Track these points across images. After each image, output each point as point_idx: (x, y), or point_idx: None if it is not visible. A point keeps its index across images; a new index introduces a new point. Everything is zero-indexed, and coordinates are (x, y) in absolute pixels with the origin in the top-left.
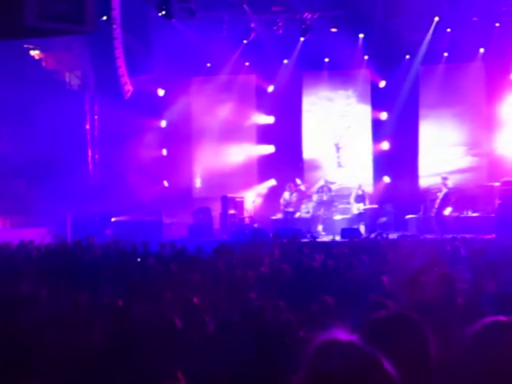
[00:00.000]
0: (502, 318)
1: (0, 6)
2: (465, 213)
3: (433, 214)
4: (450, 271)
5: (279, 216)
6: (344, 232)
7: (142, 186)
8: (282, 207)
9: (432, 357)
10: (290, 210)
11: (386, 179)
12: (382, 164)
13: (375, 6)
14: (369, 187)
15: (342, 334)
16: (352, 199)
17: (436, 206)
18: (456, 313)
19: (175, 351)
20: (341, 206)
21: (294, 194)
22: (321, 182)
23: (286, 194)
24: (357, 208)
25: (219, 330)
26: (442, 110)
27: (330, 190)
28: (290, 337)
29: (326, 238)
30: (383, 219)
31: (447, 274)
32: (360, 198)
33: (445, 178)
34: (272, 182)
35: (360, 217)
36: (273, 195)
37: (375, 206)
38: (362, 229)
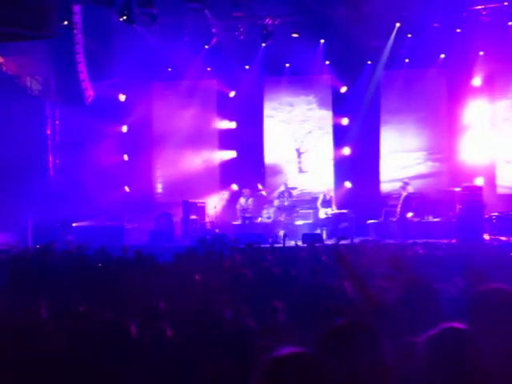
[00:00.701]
0: (456, 325)
1: None
2: (426, 218)
3: (395, 219)
4: (411, 276)
5: (240, 221)
6: (305, 237)
7: (104, 191)
8: (238, 213)
9: (387, 363)
10: (247, 215)
11: (348, 184)
12: (343, 169)
13: (336, 11)
14: (330, 192)
15: (292, 350)
16: (319, 204)
17: (398, 211)
18: (416, 318)
19: (130, 358)
20: (302, 211)
21: (251, 200)
22: (281, 188)
23: (242, 200)
24: (324, 213)
25: (178, 335)
26: (404, 115)
27: (290, 195)
28: (248, 343)
29: (288, 243)
30: (344, 224)
31: (408, 279)
32: (327, 203)
33: (406, 183)
34: (234, 187)
35: (321, 222)
36: (234, 200)
37: (344, 210)
38: (324, 234)
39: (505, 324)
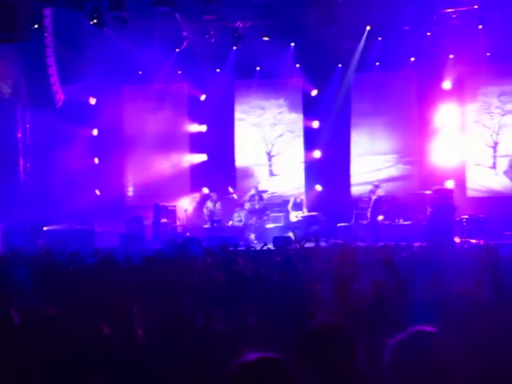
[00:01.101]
0: (426, 328)
1: None
2: (396, 221)
3: (365, 222)
4: (381, 279)
5: (209, 225)
6: (276, 240)
7: (74, 194)
8: (205, 217)
9: (360, 366)
10: (215, 218)
11: (318, 187)
12: (314, 172)
13: (307, 14)
14: (301, 196)
15: (260, 355)
16: (290, 207)
17: (369, 214)
18: (387, 321)
19: (103, 359)
20: (273, 215)
21: (218, 204)
22: (252, 191)
23: (209, 204)
24: (295, 216)
25: (149, 338)
26: (374, 118)
27: (261, 198)
28: (219, 346)
29: (259, 247)
30: (315, 227)
31: (378, 281)
32: (298, 206)
33: (376, 186)
34: (205, 191)
35: (292, 225)
36: (205, 204)
37: (314, 213)
38: (294, 237)
39: (472, 326)
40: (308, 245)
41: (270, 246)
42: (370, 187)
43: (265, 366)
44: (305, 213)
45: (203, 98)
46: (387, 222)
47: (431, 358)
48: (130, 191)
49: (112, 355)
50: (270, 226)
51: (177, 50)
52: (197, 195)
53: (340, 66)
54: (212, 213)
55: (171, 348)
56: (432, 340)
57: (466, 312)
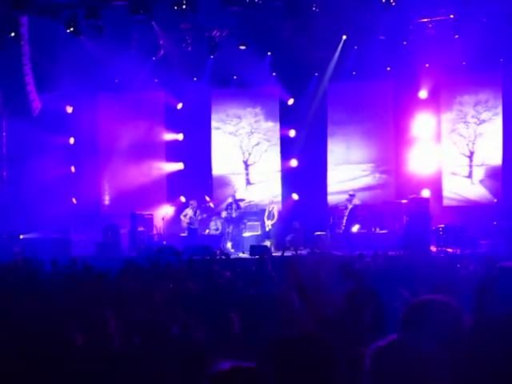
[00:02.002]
0: (404, 336)
1: None
2: (373, 229)
3: (341, 231)
4: (358, 287)
5: (187, 233)
6: (253, 249)
7: (51, 202)
8: (184, 224)
9: (338, 376)
10: (193, 227)
11: (295, 196)
12: (290, 181)
13: (283, 23)
14: (277, 204)
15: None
16: (265, 217)
17: (344, 223)
18: (363, 329)
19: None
20: (250, 223)
21: (198, 211)
22: (229, 200)
23: (190, 211)
24: (267, 225)
25: (126, 346)
26: (350, 127)
27: (238, 207)
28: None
29: (235, 255)
30: (290, 236)
31: (355, 289)
32: (270, 215)
33: (351, 195)
34: (182, 199)
35: (269, 234)
36: (182, 212)
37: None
38: (271, 245)
39: (439, 335)
40: (287, 253)
41: (247, 254)
42: (346, 196)
43: (239, 374)
44: (274, 220)
45: (180, 106)
46: (363, 231)
47: (411, 367)
48: (107, 200)
49: (87, 363)
50: (246, 234)
51: (153, 58)
52: (174, 204)
53: (316, 75)
54: (193, 221)
55: (147, 357)
56: (411, 348)
57: (432, 320)
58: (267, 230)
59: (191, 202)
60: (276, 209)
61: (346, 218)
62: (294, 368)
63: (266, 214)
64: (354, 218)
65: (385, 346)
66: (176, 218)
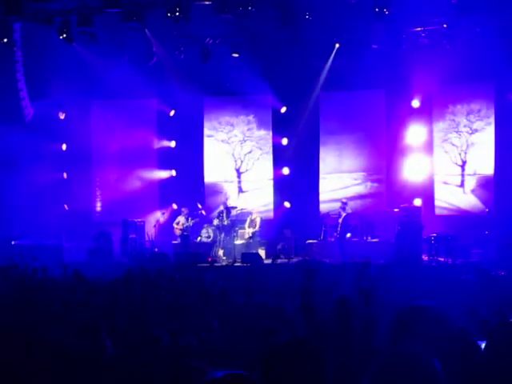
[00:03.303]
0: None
1: None
2: (364, 238)
3: (333, 239)
4: (349, 295)
5: (179, 240)
6: (245, 256)
7: (43, 209)
8: (177, 231)
9: (329, 382)
10: (185, 233)
11: (287, 204)
12: (282, 189)
13: (276, 32)
14: (269, 212)
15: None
16: (246, 224)
17: (337, 231)
18: (353, 337)
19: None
20: (241, 231)
21: (190, 218)
22: (221, 207)
23: (182, 219)
24: (248, 233)
25: (117, 352)
26: (343, 136)
27: (230, 215)
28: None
29: (227, 263)
30: (282, 244)
31: (345, 298)
32: (253, 223)
33: (344, 203)
34: (174, 207)
35: (260, 242)
36: (174, 219)
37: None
38: (262, 253)
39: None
40: (279, 261)
41: (239, 262)
42: (338, 204)
43: (233, 382)
44: (256, 228)
45: (172, 113)
46: (355, 240)
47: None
48: (99, 206)
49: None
50: (238, 242)
51: (146, 65)
52: (165, 211)
53: (309, 83)
54: (186, 228)
55: (139, 363)
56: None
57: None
58: (246, 236)
59: (183, 210)
60: (259, 218)
61: (339, 225)
62: (286, 375)
63: (248, 221)
64: (347, 226)
65: (384, 360)
66: (168, 225)
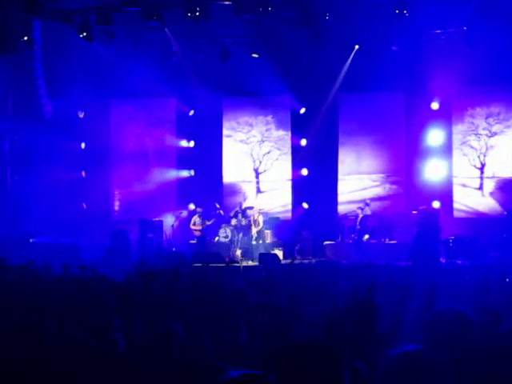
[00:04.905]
0: (412, 348)
1: None
2: (383, 240)
3: (351, 241)
4: (370, 298)
5: (196, 240)
6: (262, 257)
7: (61, 207)
8: (197, 233)
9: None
10: (202, 234)
11: (305, 205)
12: (300, 190)
13: (296, 32)
14: (287, 213)
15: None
16: (252, 225)
17: (355, 232)
18: (376, 341)
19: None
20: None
21: (204, 219)
22: (238, 208)
23: (197, 219)
24: (254, 233)
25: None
26: (361, 137)
27: (244, 215)
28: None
29: (245, 263)
30: (300, 245)
31: (367, 300)
32: (256, 223)
33: (366, 204)
34: (191, 206)
35: (278, 242)
36: (190, 220)
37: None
38: (280, 254)
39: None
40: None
41: (256, 262)
42: (356, 205)
43: (249, 382)
44: (258, 228)
45: (191, 113)
46: (373, 241)
47: (420, 379)
48: (117, 205)
49: (93, 367)
50: (255, 242)
51: (166, 64)
52: (184, 211)
53: (328, 84)
54: (203, 228)
55: (153, 362)
56: (422, 360)
57: (451, 331)
58: (253, 237)
59: (198, 209)
60: (261, 217)
61: (358, 226)
62: (301, 376)
63: (252, 222)
64: (365, 227)
65: (396, 358)
66: (185, 225)
